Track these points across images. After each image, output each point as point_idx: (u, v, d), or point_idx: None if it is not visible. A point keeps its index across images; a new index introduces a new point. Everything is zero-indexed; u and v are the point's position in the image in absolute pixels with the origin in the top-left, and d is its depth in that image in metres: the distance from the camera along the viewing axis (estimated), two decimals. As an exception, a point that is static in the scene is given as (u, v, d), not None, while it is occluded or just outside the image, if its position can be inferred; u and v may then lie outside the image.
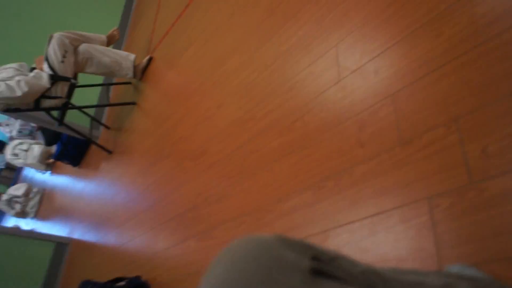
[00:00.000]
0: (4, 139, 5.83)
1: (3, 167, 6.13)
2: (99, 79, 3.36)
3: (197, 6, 2.12)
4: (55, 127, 2.88)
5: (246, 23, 1.53)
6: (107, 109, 3.31)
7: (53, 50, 2.22)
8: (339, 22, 1.08)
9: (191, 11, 2.20)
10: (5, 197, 4.18)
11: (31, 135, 5.13)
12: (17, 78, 2.14)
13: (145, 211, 1.73)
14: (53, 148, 3.85)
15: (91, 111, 3.31)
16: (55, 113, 2.48)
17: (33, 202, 4.11)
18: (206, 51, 1.79)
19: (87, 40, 2.50)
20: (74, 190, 3.09)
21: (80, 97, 3.14)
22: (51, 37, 2.26)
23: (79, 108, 2.60)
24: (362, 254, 0.78)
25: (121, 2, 4.02)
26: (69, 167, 3.36)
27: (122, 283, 1.47)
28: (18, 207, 4.12)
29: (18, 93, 2.10)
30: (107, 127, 2.95)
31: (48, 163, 4.06)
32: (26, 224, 4.22)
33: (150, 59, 2.65)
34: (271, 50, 1.32)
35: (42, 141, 4.12)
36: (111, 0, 3.93)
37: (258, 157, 1.17)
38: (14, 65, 2.31)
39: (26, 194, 4.15)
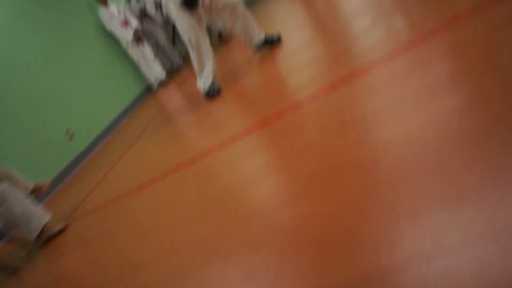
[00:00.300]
0: None
1: None
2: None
3: (135, 201, 2.08)
4: None
5: (173, 240, 1.46)
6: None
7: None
8: None
9: (127, 202, 2.14)
10: None
11: None
12: None
13: None
14: None
15: (-38, 258, 2.75)
16: None
17: None
18: (122, 250, 1.64)
19: (12, 180, 2.31)
20: None
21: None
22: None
23: None
24: None
25: (69, 157, 3.99)
26: None
27: None
28: None
29: None
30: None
31: None
32: None
33: (63, 229, 2.40)
34: (187, 281, 1.21)
35: None
36: (59, 151, 3.90)
37: None
38: None
39: None
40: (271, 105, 2.04)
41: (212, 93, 2.90)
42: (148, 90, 5.60)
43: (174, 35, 5.64)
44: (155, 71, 5.35)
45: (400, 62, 1.58)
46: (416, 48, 1.59)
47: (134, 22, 5.27)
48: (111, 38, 5.23)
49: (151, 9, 5.59)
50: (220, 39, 5.43)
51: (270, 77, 2.58)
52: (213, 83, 2.94)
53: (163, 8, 5.32)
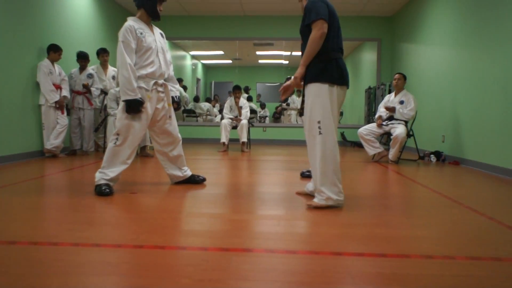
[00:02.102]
0: None
1: None
2: None
3: None
4: None
5: None
6: None
7: None
8: None
9: None
10: None
11: None
12: None
13: None
14: None
15: None
16: None
17: None
18: None
19: None
20: None
21: None
22: None
23: None
24: None
25: None
26: None
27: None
28: None
29: None
30: None
31: None
32: None
33: None
34: None
35: None
36: None
37: None
38: None
39: None
40: (155, 234, 1.87)
41: (103, 191, 2.72)
42: (41, 154, 5.02)
43: (101, 124, 5.49)
44: (55, 141, 4.89)
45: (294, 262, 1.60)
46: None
47: (66, 92, 5.08)
48: (33, 88, 4.85)
49: (96, 90, 5.53)
50: (142, 152, 5.32)
51: (171, 209, 2.45)
52: (109, 183, 2.78)
53: (108, 101, 5.27)
